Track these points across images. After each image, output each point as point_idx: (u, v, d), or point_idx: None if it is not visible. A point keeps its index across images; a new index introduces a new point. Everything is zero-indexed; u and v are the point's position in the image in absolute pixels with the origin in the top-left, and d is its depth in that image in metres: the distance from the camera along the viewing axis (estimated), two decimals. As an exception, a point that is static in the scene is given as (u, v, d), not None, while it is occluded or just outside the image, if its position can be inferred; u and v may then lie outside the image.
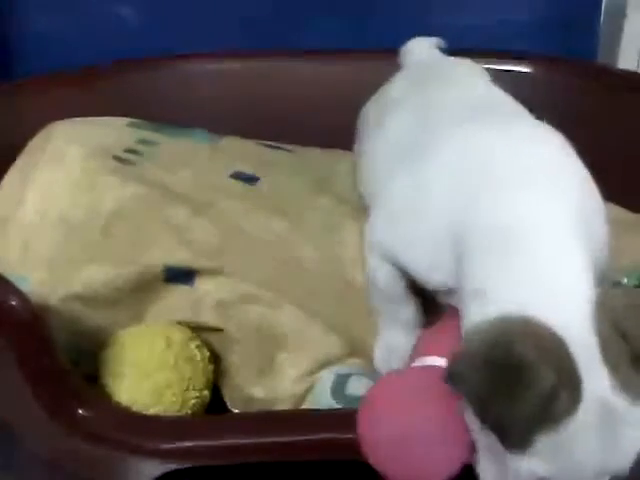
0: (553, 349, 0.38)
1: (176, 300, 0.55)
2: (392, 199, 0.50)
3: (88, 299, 0.55)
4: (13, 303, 0.42)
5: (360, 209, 0.64)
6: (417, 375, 0.44)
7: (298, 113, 0.79)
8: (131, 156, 0.62)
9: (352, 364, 0.54)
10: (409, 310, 0.52)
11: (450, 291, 0.46)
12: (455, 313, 0.49)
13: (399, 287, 0.51)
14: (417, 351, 0.47)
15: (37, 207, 0.58)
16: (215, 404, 0.55)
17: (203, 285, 0.55)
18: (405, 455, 0.40)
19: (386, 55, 0.79)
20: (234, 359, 0.54)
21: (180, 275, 0.55)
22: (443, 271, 0.45)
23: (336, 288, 0.57)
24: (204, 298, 0.55)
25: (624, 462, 0.38)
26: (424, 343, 0.48)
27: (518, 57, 0.80)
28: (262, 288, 0.54)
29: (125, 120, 0.69)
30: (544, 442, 0.37)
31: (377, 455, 0.41)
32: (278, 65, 0.81)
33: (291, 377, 0.53)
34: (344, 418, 0.46)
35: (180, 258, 0.55)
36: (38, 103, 0.71)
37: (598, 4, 0.91)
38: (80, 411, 0.45)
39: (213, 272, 0.55)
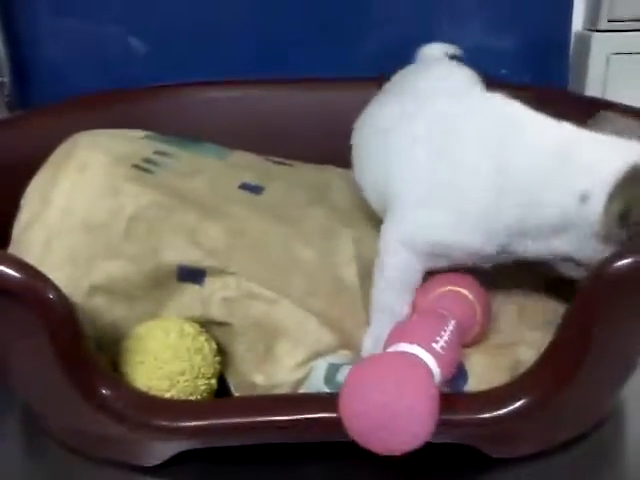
0: None
1: (188, 299, 0.60)
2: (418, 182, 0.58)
3: (108, 291, 0.60)
4: (51, 297, 0.47)
5: (352, 218, 0.71)
6: (391, 358, 0.49)
7: (294, 135, 0.86)
8: (149, 165, 0.67)
9: (343, 355, 0.59)
10: (407, 303, 0.59)
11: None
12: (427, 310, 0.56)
13: (413, 276, 0.58)
14: (390, 339, 0.52)
15: (61, 208, 0.62)
16: (221, 394, 0.60)
17: (211, 284, 0.60)
18: (378, 427, 0.45)
19: (376, 83, 0.86)
20: (238, 350, 0.59)
21: (192, 274, 0.60)
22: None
23: (330, 288, 0.62)
24: (212, 296, 0.60)
25: None
26: (396, 332, 0.53)
27: (490, 84, 0.86)
28: (263, 287, 0.60)
29: (141, 133, 0.74)
30: None
31: (354, 427, 0.46)
32: (277, 92, 0.88)
33: (288, 366, 0.58)
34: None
35: (192, 258, 0.60)
36: (52, 128, 0.75)
37: (568, 34, 0.99)
38: (105, 391, 0.51)
39: (220, 271, 0.60)
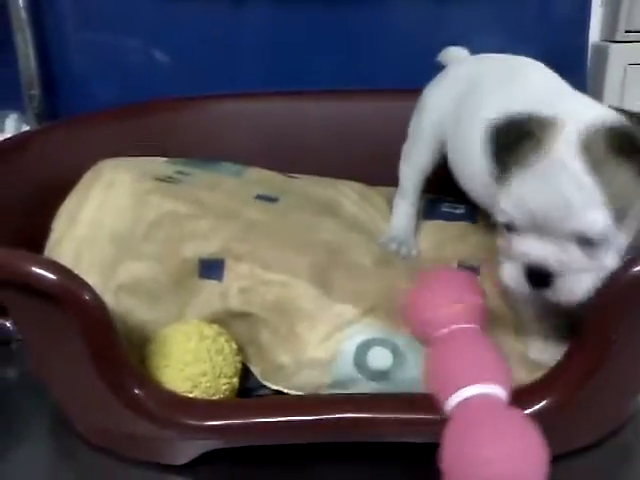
0: (550, 121, 0.52)
1: (208, 295, 0.63)
2: None
3: (133, 291, 0.63)
4: (87, 298, 0.49)
5: (362, 227, 0.74)
6: (481, 408, 0.49)
7: (315, 146, 0.88)
8: (171, 180, 0.71)
9: (368, 324, 0.59)
10: None
11: None
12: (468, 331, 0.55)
13: None
14: (450, 382, 0.51)
15: (90, 222, 0.66)
16: (243, 395, 0.62)
17: (229, 278, 0.63)
18: None
19: (389, 95, 0.89)
20: (262, 337, 0.61)
21: (212, 268, 0.63)
22: None
23: (345, 269, 0.64)
24: (230, 289, 0.62)
25: (568, 217, 0.49)
26: (456, 372, 0.52)
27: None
28: (274, 271, 0.62)
29: (163, 158, 0.79)
30: (516, 180, 0.51)
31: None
32: (298, 104, 0.90)
33: (311, 342, 0.59)
34: (371, 400, 0.55)
35: (210, 251, 0.63)
36: (80, 139, 0.79)
37: (585, 45, 1.00)
38: (137, 391, 0.53)
39: (236, 261, 0.62)
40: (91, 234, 0.65)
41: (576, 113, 0.53)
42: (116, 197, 0.67)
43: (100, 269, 0.63)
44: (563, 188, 0.49)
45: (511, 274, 0.53)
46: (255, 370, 0.62)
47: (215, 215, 0.66)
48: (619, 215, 0.50)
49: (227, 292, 0.63)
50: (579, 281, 0.51)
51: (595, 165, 0.49)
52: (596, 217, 0.49)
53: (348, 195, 0.79)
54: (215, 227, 0.65)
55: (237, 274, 0.63)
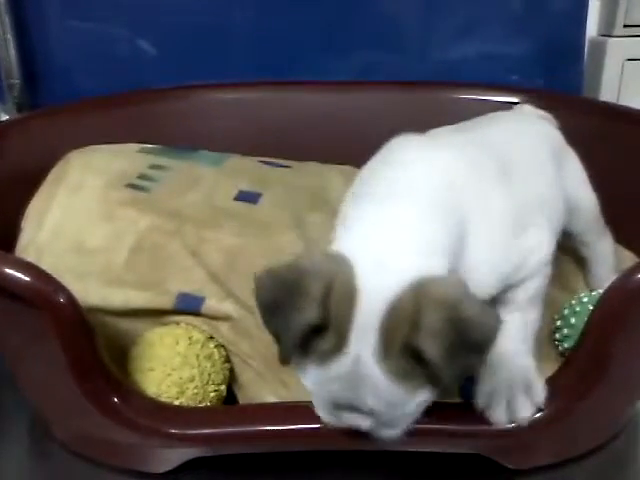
0: (340, 295, 0.40)
1: (190, 319, 0.59)
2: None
3: (107, 312, 0.59)
4: (62, 301, 0.46)
5: None
6: None
7: (305, 136, 0.86)
8: (144, 182, 0.68)
9: None
10: None
11: None
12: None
13: None
14: None
15: (52, 230, 0.62)
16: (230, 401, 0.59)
17: (208, 310, 0.58)
18: None
19: (377, 86, 0.88)
20: (248, 375, 0.58)
21: (191, 302, 0.59)
22: None
23: None
24: (217, 325, 0.58)
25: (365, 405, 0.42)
26: None
27: (504, 89, 0.86)
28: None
29: (136, 147, 0.75)
30: (311, 372, 0.43)
31: None
32: (281, 94, 0.88)
33: (301, 391, 0.54)
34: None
35: (192, 286, 0.59)
36: (59, 129, 0.77)
37: (582, 39, 0.98)
38: (117, 400, 0.50)
39: (220, 300, 0.59)
40: (52, 243, 0.62)
41: (384, 269, 0.41)
42: (82, 205, 0.64)
43: (60, 277, 0.59)
44: (369, 400, 0.42)
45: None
46: (238, 395, 0.59)
47: (195, 231, 0.62)
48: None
49: (217, 322, 0.59)
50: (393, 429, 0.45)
51: (400, 372, 0.41)
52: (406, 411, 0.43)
53: (334, 179, 0.76)
54: (195, 253, 0.60)
55: (223, 312, 0.59)
